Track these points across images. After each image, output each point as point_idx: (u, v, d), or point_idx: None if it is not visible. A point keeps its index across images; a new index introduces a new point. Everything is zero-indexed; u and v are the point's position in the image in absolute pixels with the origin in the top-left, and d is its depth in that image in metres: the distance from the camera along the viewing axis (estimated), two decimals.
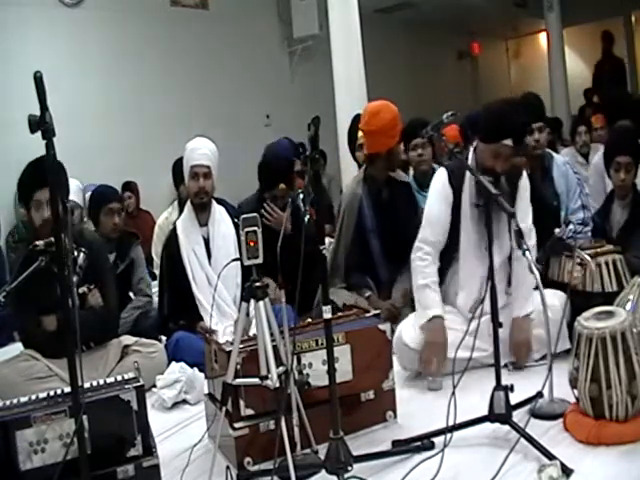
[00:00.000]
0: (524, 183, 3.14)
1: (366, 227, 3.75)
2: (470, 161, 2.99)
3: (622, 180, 3.52)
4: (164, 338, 3.61)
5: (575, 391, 2.36)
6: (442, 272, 3.13)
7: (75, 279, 2.52)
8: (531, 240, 3.04)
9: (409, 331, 3.03)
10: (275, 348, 2.23)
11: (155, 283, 4.26)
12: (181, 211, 4.53)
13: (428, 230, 3.09)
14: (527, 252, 2.50)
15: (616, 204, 3.65)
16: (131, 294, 4.02)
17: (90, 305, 3.25)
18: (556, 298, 2.96)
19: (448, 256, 3.10)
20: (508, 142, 2.85)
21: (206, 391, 2.72)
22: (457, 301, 3.11)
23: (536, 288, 2.75)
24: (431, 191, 3.15)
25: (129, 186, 6.81)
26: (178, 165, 4.83)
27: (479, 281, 2.90)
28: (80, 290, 3.20)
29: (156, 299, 3.89)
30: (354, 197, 3.78)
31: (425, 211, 3.15)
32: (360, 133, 4.57)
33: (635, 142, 3.67)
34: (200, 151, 3.55)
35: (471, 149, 3.07)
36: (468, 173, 3.00)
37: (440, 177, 3.11)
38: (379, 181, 3.80)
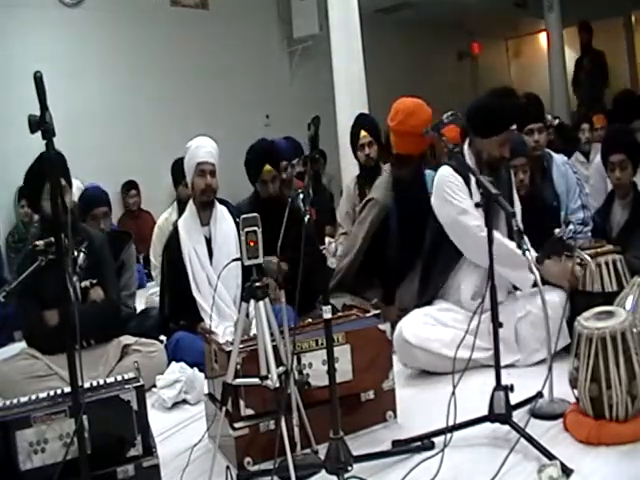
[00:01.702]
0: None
1: (388, 239, 3.68)
2: (468, 160, 3.02)
3: (618, 179, 3.53)
4: (164, 338, 3.61)
5: (575, 391, 2.36)
6: (446, 268, 3.15)
7: (75, 278, 2.54)
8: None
9: (410, 327, 3.03)
10: (275, 348, 2.23)
11: (151, 284, 4.25)
12: (180, 212, 4.53)
13: (476, 215, 2.95)
14: (527, 252, 2.51)
15: (617, 204, 3.65)
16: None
17: (92, 300, 3.30)
18: (555, 294, 2.97)
19: (453, 251, 3.11)
20: (513, 127, 3.01)
21: (206, 391, 2.72)
22: (460, 293, 3.12)
23: (535, 285, 2.77)
24: (450, 186, 3.05)
25: (134, 184, 6.81)
26: (177, 165, 4.83)
27: (482, 272, 2.94)
28: (82, 284, 3.26)
29: (156, 299, 3.89)
30: (383, 209, 3.68)
31: (457, 206, 3.03)
32: (363, 133, 4.55)
33: (628, 140, 3.66)
34: (205, 149, 3.56)
35: (465, 149, 3.07)
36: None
37: (450, 173, 3.07)
38: (407, 183, 3.66)
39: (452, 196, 3.05)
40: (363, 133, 4.51)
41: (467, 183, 3.03)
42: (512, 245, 2.97)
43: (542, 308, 2.57)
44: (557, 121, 5.92)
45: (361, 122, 4.65)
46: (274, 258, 3.06)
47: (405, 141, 3.60)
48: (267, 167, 3.98)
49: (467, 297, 3.11)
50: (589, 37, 9.06)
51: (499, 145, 2.99)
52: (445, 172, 3.10)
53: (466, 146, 3.10)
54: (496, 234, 2.85)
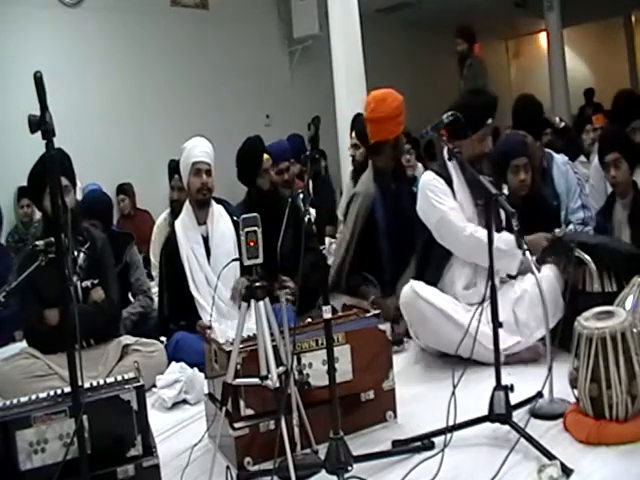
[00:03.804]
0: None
1: (377, 229, 3.73)
2: (452, 167, 3.09)
3: (613, 177, 3.52)
4: (164, 339, 3.61)
5: (575, 391, 2.36)
6: (438, 268, 3.19)
7: (75, 278, 2.54)
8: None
9: (421, 285, 3.07)
10: (275, 348, 2.23)
11: (153, 284, 4.25)
12: (172, 214, 4.54)
13: (459, 215, 3.08)
14: (527, 252, 2.51)
15: (618, 203, 3.64)
16: (129, 295, 4.00)
17: (93, 300, 3.31)
18: (548, 268, 3.05)
19: (444, 251, 3.15)
20: (489, 121, 3.07)
21: (206, 391, 2.72)
22: (455, 288, 3.16)
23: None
24: (434, 190, 3.12)
25: (122, 188, 6.80)
26: (172, 167, 4.83)
27: (473, 264, 3.10)
28: (83, 284, 3.27)
29: (156, 299, 3.88)
30: (367, 199, 3.74)
31: (440, 209, 3.09)
32: (354, 133, 4.60)
33: (621, 138, 3.66)
34: (201, 149, 3.59)
35: (445, 156, 3.02)
36: (454, 175, 3.11)
37: (432, 177, 3.15)
38: (387, 173, 3.80)
39: (435, 199, 3.12)
40: (352, 135, 4.61)
41: (450, 184, 3.11)
42: (495, 237, 2.98)
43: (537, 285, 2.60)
44: (563, 124, 5.93)
45: (359, 122, 4.69)
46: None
47: (380, 128, 3.72)
48: (266, 156, 4.08)
49: (460, 289, 3.15)
50: (470, 45, 7.04)
51: (479, 142, 3.05)
52: (428, 177, 3.18)
53: (447, 157, 3.09)
54: (480, 230, 2.96)
